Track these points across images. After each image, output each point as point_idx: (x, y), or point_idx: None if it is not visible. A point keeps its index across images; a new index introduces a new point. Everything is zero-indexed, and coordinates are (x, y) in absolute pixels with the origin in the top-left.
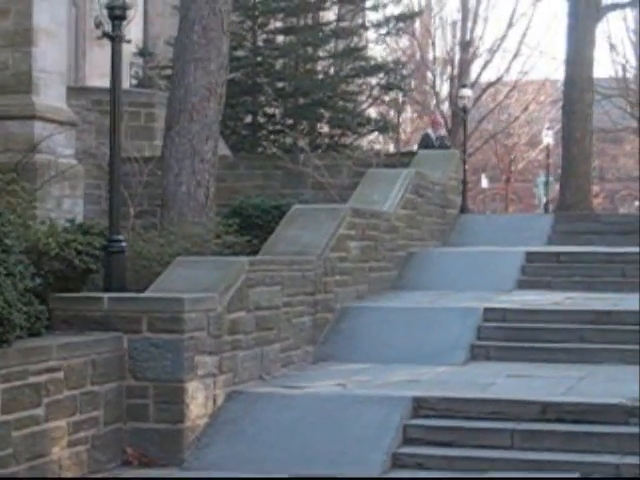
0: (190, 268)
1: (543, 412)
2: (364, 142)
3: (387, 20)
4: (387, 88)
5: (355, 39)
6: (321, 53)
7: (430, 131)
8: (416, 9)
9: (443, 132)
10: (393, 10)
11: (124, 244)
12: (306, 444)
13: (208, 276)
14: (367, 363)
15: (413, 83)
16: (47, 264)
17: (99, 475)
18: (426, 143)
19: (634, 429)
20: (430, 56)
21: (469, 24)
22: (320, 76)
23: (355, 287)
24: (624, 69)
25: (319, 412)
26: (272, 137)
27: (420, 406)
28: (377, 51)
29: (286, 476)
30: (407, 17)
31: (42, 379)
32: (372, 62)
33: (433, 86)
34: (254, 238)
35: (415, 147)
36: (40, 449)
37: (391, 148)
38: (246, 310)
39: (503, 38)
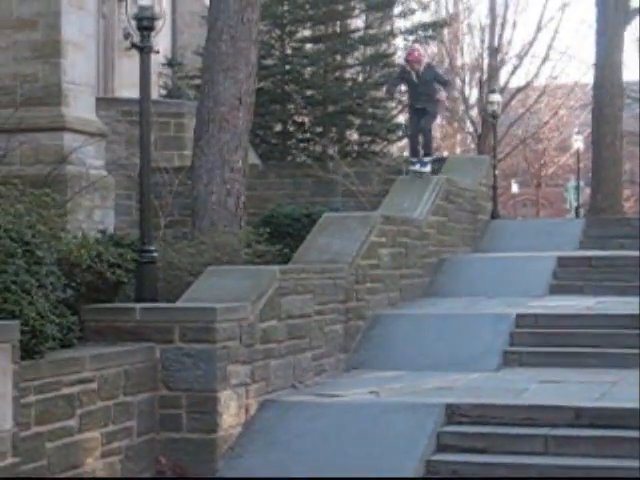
0: (221, 277)
1: (577, 417)
2: (394, 149)
3: (415, 28)
4: None
5: (384, 46)
6: (350, 60)
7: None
8: (444, 15)
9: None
10: (421, 17)
11: (155, 254)
12: (339, 452)
13: (240, 285)
14: (400, 370)
15: None
16: (79, 275)
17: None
18: (402, 77)
19: None
20: (459, 62)
21: (497, 29)
22: (349, 83)
23: (387, 294)
24: None
25: (352, 420)
26: (302, 145)
27: (453, 413)
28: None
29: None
30: (436, 26)
31: (75, 390)
32: (401, 69)
33: (462, 92)
34: (285, 247)
35: (445, 154)
36: (74, 460)
37: None
38: (278, 319)
39: (532, 43)
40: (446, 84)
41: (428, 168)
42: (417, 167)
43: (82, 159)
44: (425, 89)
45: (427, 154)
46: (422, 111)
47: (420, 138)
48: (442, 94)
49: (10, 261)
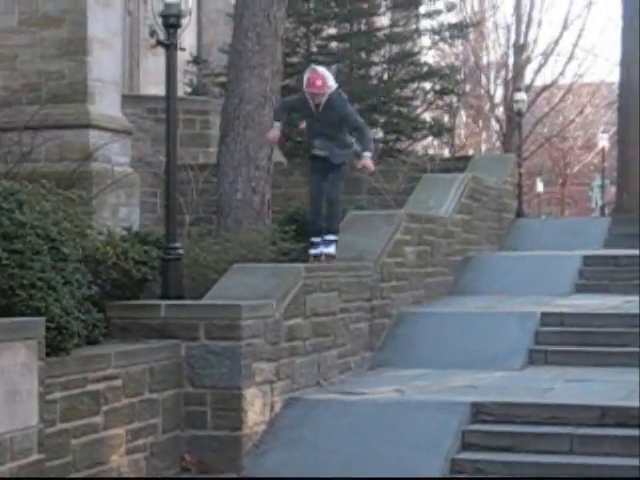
0: (247, 275)
1: (602, 417)
2: (419, 147)
3: (441, 28)
4: (441, 93)
5: (409, 44)
6: (375, 58)
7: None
8: (469, 13)
9: (325, 99)
10: (447, 17)
11: (181, 252)
12: (364, 450)
13: (265, 283)
14: (425, 369)
15: (467, 87)
16: (104, 272)
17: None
18: (295, 106)
19: None
20: (484, 60)
21: (523, 27)
22: (374, 81)
23: (412, 292)
24: None
25: (377, 418)
26: None
27: (478, 411)
28: (431, 56)
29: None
30: (462, 26)
31: (100, 387)
32: (426, 67)
33: (487, 90)
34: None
35: (470, 152)
36: (99, 457)
37: (446, 153)
38: (303, 316)
39: (557, 41)
40: (362, 134)
41: (332, 249)
42: (318, 250)
43: (107, 156)
44: (329, 130)
45: (331, 230)
46: (324, 163)
47: (323, 207)
48: (365, 155)
49: (36, 258)
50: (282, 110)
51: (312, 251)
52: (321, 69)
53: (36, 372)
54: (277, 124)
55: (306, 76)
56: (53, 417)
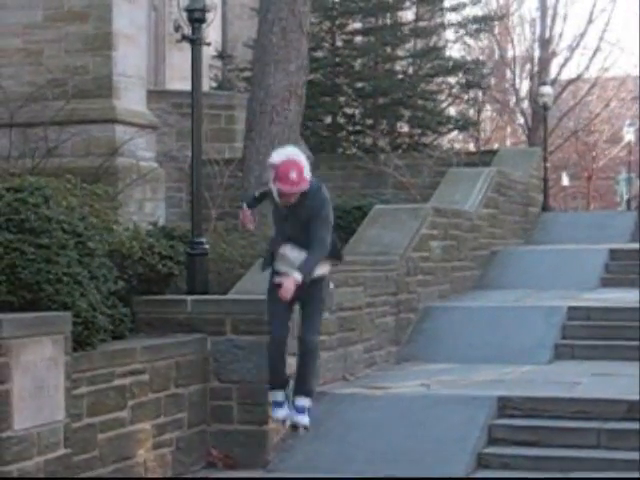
0: None
1: (629, 411)
2: (444, 141)
3: (466, 21)
4: (467, 87)
5: (434, 38)
6: (400, 52)
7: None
8: (494, 7)
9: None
10: (472, 10)
11: (206, 246)
12: (391, 444)
13: None
14: (451, 363)
15: (492, 81)
16: (130, 267)
17: (183, 476)
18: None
19: None
20: (509, 54)
21: (548, 21)
22: (399, 76)
23: (437, 287)
24: None
25: (403, 413)
26: (352, 137)
27: (505, 406)
28: (456, 50)
29: (371, 476)
30: (487, 19)
31: (127, 382)
32: (451, 61)
33: (513, 84)
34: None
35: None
36: (125, 451)
37: (471, 147)
38: (329, 311)
39: (583, 35)
40: (317, 246)
41: (306, 419)
42: (282, 413)
43: (133, 151)
44: (305, 236)
45: (305, 391)
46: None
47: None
48: (294, 274)
49: (62, 253)
50: (250, 200)
51: (276, 414)
52: (296, 160)
53: (63, 367)
54: (246, 207)
55: (278, 170)
56: (79, 412)
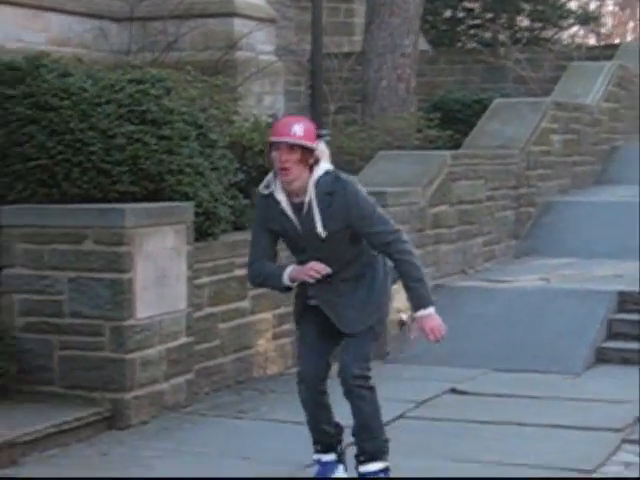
0: (392, 162)
1: None
2: (565, 36)
3: None
4: None
5: None
6: None
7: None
8: None
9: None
10: None
11: (327, 139)
12: (509, 338)
13: (410, 170)
14: (570, 257)
15: None
16: (250, 159)
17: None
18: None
19: None
20: None
21: None
22: None
23: (558, 181)
24: None
25: (522, 306)
26: (471, 31)
27: (625, 300)
28: None
29: None
30: None
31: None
32: None
33: None
34: (455, 132)
35: (616, 40)
36: (246, 341)
37: (592, 41)
38: (449, 204)
39: None
40: (402, 253)
41: None
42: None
43: (252, 45)
44: (334, 247)
45: (371, 453)
46: (331, 329)
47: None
48: (427, 311)
49: (184, 144)
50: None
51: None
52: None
53: (185, 256)
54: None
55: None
56: (201, 301)
